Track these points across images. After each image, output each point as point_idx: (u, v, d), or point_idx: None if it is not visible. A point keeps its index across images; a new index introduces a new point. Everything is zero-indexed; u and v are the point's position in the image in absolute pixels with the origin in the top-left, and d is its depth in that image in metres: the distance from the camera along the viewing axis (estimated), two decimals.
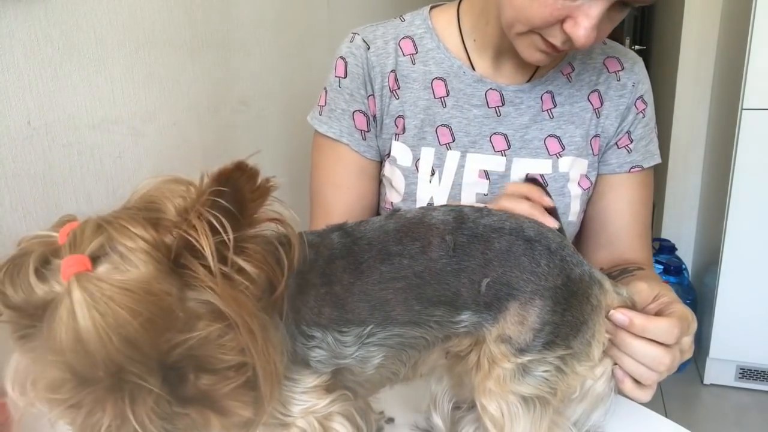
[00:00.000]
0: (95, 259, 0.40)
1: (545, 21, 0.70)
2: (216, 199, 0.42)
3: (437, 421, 0.67)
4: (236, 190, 0.43)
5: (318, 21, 1.58)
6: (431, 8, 0.91)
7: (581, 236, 0.95)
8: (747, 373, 2.19)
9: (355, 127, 0.89)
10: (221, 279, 0.42)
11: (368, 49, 0.88)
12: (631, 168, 0.89)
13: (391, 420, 0.71)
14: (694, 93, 2.40)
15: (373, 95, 0.88)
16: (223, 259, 0.43)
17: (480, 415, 0.57)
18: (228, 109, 1.25)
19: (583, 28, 0.68)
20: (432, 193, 0.85)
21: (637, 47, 2.84)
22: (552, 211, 0.66)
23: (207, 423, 0.46)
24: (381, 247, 0.54)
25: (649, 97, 0.90)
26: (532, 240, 0.55)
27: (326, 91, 0.90)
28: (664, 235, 2.58)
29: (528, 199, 0.66)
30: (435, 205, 0.70)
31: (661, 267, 2.36)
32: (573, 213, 0.87)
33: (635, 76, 0.89)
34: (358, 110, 0.88)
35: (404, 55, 0.88)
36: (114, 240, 0.40)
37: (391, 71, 0.87)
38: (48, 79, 0.84)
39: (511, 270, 0.54)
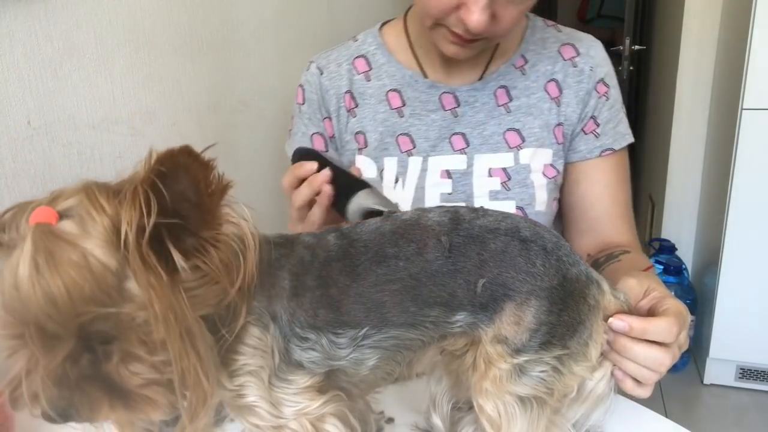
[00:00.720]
0: (63, 216, 0.42)
1: (440, 10, 0.74)
2: (155, 179, 0.41)
3: (437, 421, 0.67)
4: (191, 178, 0.43)
5: (318, 21, 1.58)
6: (382, 25, 0.96)
7: (563, 225, 0.96)
8: (747, 373, 2.19)
9: (313, 147, 0.94)
10: (142, 265, 0.41)
11: (321, 74, 0.93)
12: (602, 152, 0.89)
13: (391, 420, 0.71)
14: (694, 93, 2.39)
15: (329, 117, 0.94)
16: (160, 248, 0.42)
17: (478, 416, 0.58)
18: (228, 109, 1.26)
19: (472, 12, 0.71)
20: (397, 199, 0.88)
21: (637, 47, 2.83)
22: (323, 166, 0.74)
23: (101, 408, 0.45)
24: (377, 249, 0.55)
25: (612, 80, 0.90)
26: (527, 240, 0.55)
27: (293, 118, 0.98)
28: (664, 235, 2.57)
29: (302, 180, 0.74)
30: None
31: (661, 267, 2.36)
32: (540, 202, 0.88)
33: (592, 60, 0.89)
34: (316, 132, 0.95)
35: (359, 74, 0.92)
36: (82, 204, 0.42)
37: (347, 92, 0.92)
38: (48, 79, 0.84)
39: (507, 270, 0.54)
